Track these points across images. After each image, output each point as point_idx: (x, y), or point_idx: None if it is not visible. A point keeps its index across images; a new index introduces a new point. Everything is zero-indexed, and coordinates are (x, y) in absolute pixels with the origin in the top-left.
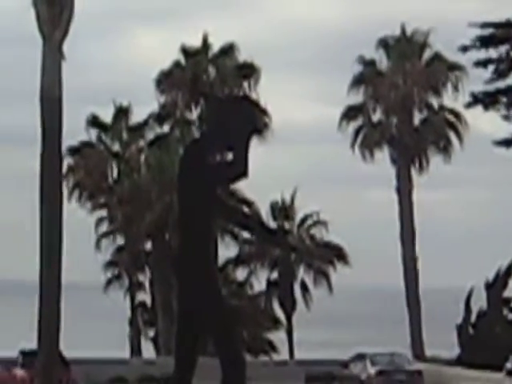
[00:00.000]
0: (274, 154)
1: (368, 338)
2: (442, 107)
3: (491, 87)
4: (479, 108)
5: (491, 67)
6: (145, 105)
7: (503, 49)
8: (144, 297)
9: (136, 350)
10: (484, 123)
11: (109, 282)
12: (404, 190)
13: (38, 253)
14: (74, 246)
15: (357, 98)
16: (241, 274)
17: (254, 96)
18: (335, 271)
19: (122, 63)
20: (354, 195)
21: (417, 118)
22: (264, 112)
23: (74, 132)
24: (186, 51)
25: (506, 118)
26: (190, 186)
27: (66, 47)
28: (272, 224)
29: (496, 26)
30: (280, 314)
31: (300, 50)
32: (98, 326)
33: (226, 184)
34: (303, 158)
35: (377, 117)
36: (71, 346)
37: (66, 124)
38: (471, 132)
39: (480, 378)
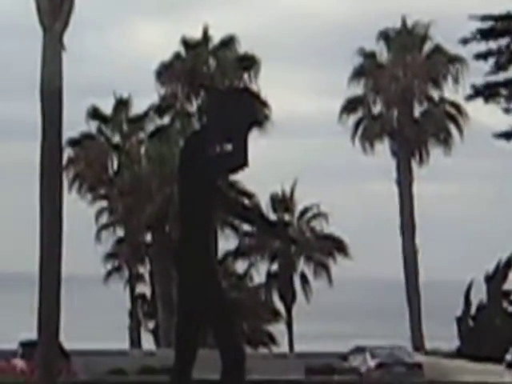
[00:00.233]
0: (274, 146)
1: (368, 330)
2: (442, 99)
3: (491, 80)
4: (480, 100)
5: (491, 60)
6: (145, 96)
7: (503, 41)
8: (144, 289)
9: (136, 341)
10: (484, 116)
11: (109, 274)
12: (404, 183)
13: (38, 245)
14: (74, 238)
15: (357, 90)
16: (241, 266)
17: (254, 88)
18: (335, 263)
19: (122, 55)
20: (355, 187)
21: (417, 110)
22: (264, 104)
23: (75, 123)
24: (186, 43)
25: (506, 110)
26: (190, 178)
27: (66, 39)
28: (272, 216)
29: (496, 18)
30: (280, 306)
31: (301, 42)
32: (98, 318)
33: (226, 174)
34: (303, 150)
35: (377, 109)
36: (71, 338)
37: (66, 115)
38: (471, 124)
39: (480, 371)
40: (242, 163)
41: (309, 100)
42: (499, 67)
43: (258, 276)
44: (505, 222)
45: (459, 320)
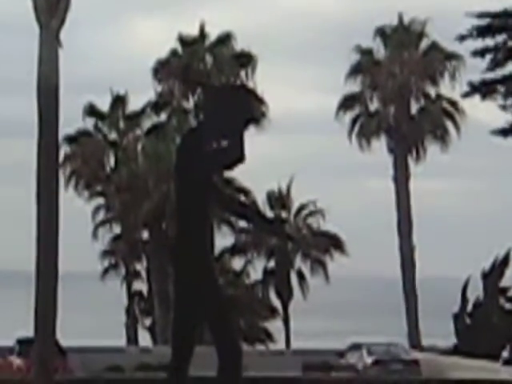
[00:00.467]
0: (270, 143)
1: (364, 327)
2: (439, 96)
3: (488, 77)
4: (476, 97)
5: (488, 57)
6: (142, 93)
7: (500, 38)
8: (141, 286)
9: (132, 338)
10: (481, 112)
11: (105, 271)
12: (401, 179)
13: (35, 242)
14: (71, 235)
15: (354, 87)
16: (237, 263)
17: (250, 85)
18: (332, 260)
19: (119, 52)
20: (351, 184)
21: (414, 107)
22: (261, 101)
23: (71, 120)
24: (182, 40)
25: (503, 107)
26: (186, 175)
27: (63, 36)
28: (269, 213)
29: (493, 15)
30: (277, 303)
31: (297, 39)
32: (95, 315)
33: (223, 170)
34: (300, 147)
35: (374, 106)
36: (68, 335)
37: (62, 112)
38: (468, 121)
39: (476, 368)
40: (239, 157)
41: (305, 97)
42: (496, 64)
43: (255, 273)
44: (502, 219)
45: (456, 317)
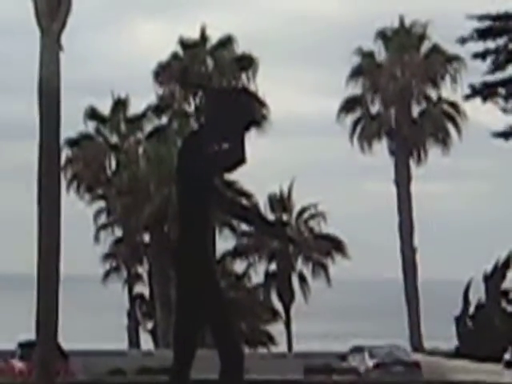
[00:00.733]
0: (272, 146)
1: (366, 330)
2: (440, 99)
3: (489, 79)
4: (478, 100)
5: (489, 59)
6: (143, 97)
7: (501, 41)
8: (142, 289)
9: (134, 341)
10: (482, 115)
11: (107, 274)
12: (402, 182)
13: (36, 245)
14: (73, 238)
15: (355, 89)
16: (239, 266)
17: (252, 88)
18: (333, 263)
19: (120, 55)
20: (353, 187)
21: (415, 109)
22: (262, 104)
23: (73, 124)
24: (183, 43)
25: (504, 110)
26: (188, 178)
27: (64, 39)
28: (270, 216)
29: (494, 18)
30: (278, 306)
31: (299, 42)
32: (97, 318)
33: (224, 172)
34: (302, 149)
35: (375, 108)
36: (69, 338)
37: (64, 116)
38: (470, 124)
39: (478, 370)
40: (241, 159)
41: (307, 100)
42: (497, 67)
43: (257, 276)
44: (503, 221)
45: (458, 319)
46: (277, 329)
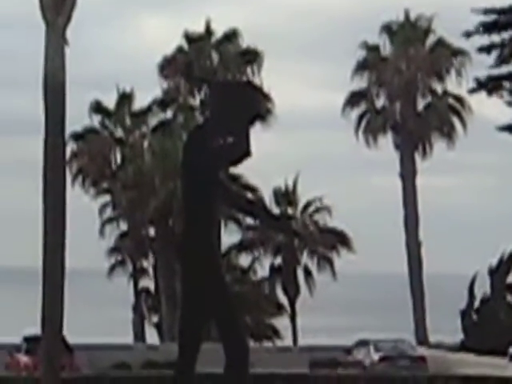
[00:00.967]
0: (277, 140)
1: (372, 324)
2: (445, 93)
3: (495, 73)
4: (483, 93)
5: (495, 53)
6: (148, 90)
7: (506, 34)
8: (147, 283)
9: (139, 335)
10: (488, 108)
11: (112, 268)
12: (408, 176)
13: (42, 239)
14: (78, 232)
15: (360, 83)
16: (244, 260)
17: (257, 82)
18: (339, 257)
19: (125, 49)
20: (358, 181)
21: (420, 103)
22: (267, 97)
23: (78, 118)
24: (188, 37)
25: (509, 103)
26: (193, 172)
27: (69, 33)
28: (275, 210)
29: (499, 11)
30: (283, 299)
31: (304, 36)
32: (102, 312)
33: (229, 166)
34: (307, 143)
35: (380, 102)
36: (75, 332)
37: (69, 110)
38: (475, 117)
39: (484, 364)
40: (245, 152)
41: (312, 93)
42: (502, 60)
43: (262, 270)
44: (509, 215)
45: (463, 313)
46: (282, 323)
